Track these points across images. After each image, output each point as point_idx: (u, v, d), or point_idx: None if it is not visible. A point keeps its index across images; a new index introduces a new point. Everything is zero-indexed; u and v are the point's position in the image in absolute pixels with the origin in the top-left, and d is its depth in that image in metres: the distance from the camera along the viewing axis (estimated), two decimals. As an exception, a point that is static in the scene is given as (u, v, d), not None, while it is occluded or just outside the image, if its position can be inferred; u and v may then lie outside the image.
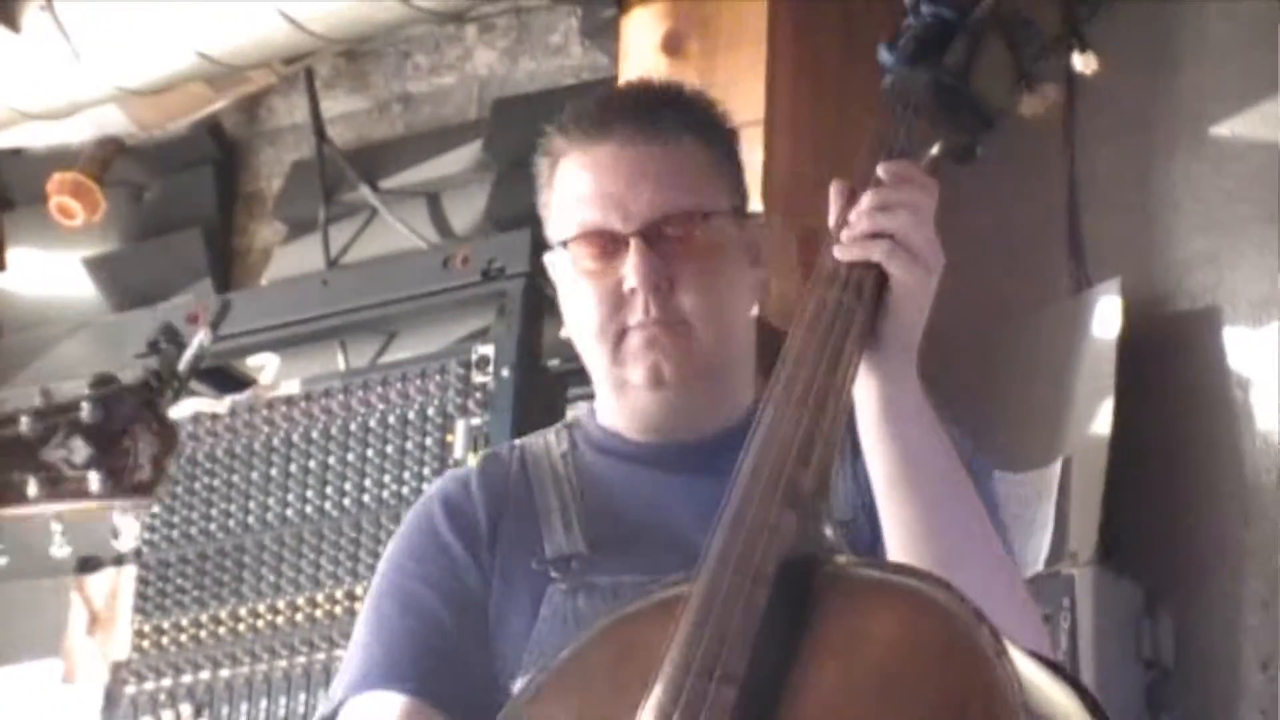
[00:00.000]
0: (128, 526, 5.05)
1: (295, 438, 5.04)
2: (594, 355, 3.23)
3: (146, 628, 5.06)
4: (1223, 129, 4.62)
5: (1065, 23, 2.92)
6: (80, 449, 2.66)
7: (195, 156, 5.67)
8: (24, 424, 2.66)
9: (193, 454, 5.19)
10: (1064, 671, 2.94)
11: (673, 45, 4.70)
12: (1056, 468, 4.41)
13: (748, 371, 3.28)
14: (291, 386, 5.12)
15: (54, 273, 5.64)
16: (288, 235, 5.64)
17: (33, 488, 2.68)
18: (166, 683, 4.90)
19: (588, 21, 4.83)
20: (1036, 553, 4.36)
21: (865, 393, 2.87)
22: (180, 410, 5.10)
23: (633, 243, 3.14)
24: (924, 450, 2.92)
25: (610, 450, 3.29)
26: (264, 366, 5.14)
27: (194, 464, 5.20)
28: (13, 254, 5.64)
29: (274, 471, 4.91)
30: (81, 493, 2.68)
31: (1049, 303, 4.75)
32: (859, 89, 3.25)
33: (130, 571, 5.10)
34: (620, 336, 3.16)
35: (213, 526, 4.91)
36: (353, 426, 4.91)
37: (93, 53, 5.13)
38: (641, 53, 4.78)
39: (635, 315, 3.14)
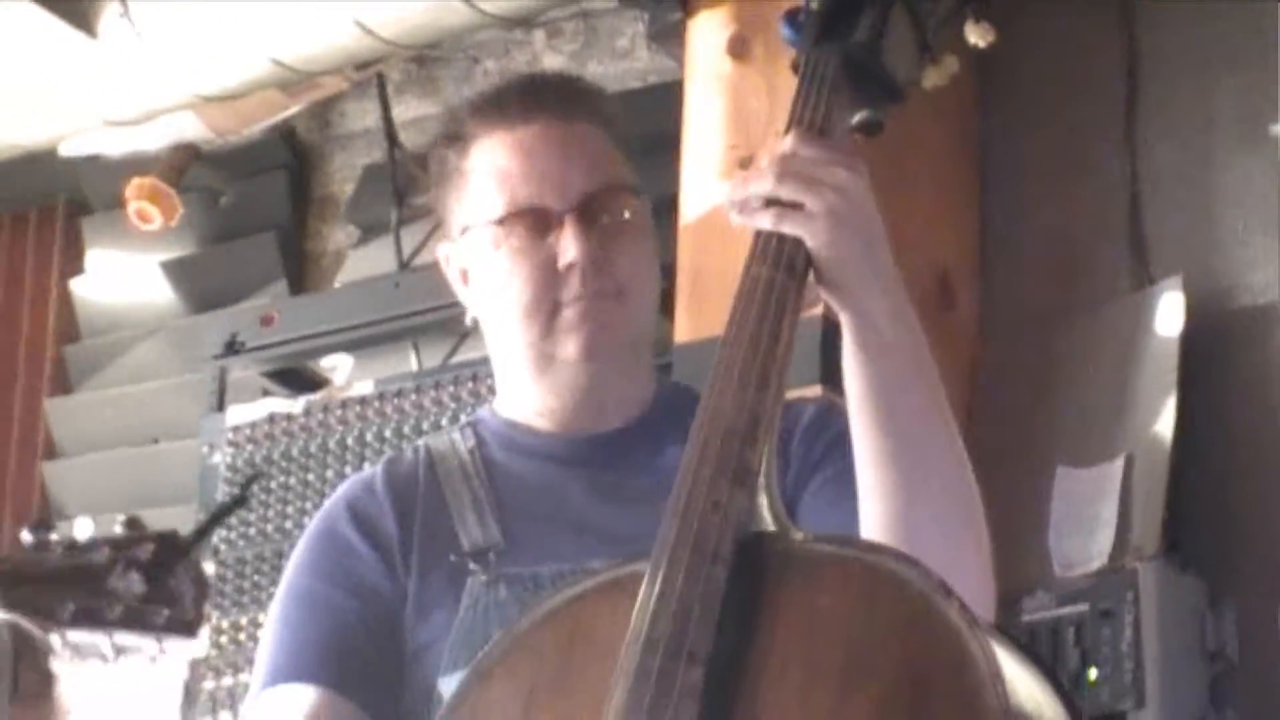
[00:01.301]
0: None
1: (369, 437, 5.10)
2: (516, 335, 3.26)
3: (224, 624, 5.14)
4: (1282, 126, 4.58)
5: None
6: (137, 583, 2.75)
7: (269, 162, 5.73)
8: (101, 553, 2.77)
9: (268, 453, 5.27)
10: (1027, 649, 2.99)
11: (738, 48, 4.71)
12: (1119, 463, 4.40)
13: (650, 357, 3.36)
14: (365, 387, 5.18)
15: (131, 277, 5.69)
16: (360, 239, 5.69)
17: (113, 614, 2.79)
18: (244, 678, 4.86)
19: (654, 25, 4.83)
20: (1100, 548, 4.36)
21: (849, 346, 2.88)
22: (255, 410, 5.30)
23: (568, 219, 3.17)
24: (904, 392, 2.91)
25: (515, 445, 3.34)
26: (337, 367, 5.18)
27: (269, 463, 5.27)
28: (91, 258, 5.72)
29: (348, 470, 4.94)
30: (142, 624, 2.78)
31: (1110, 300, 4.72)
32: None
33: (208, 569, 5.13)
34: (553, 312, 3.18)
35: (288, 524, 4.96)
36: (425, 425, 4.93)
37: (168, 59, 5.16)
38: (707, 56, 4.82)
39: (570, 290, 3.17)
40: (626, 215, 3.22)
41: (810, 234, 2.81)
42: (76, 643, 2.78)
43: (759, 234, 2.84)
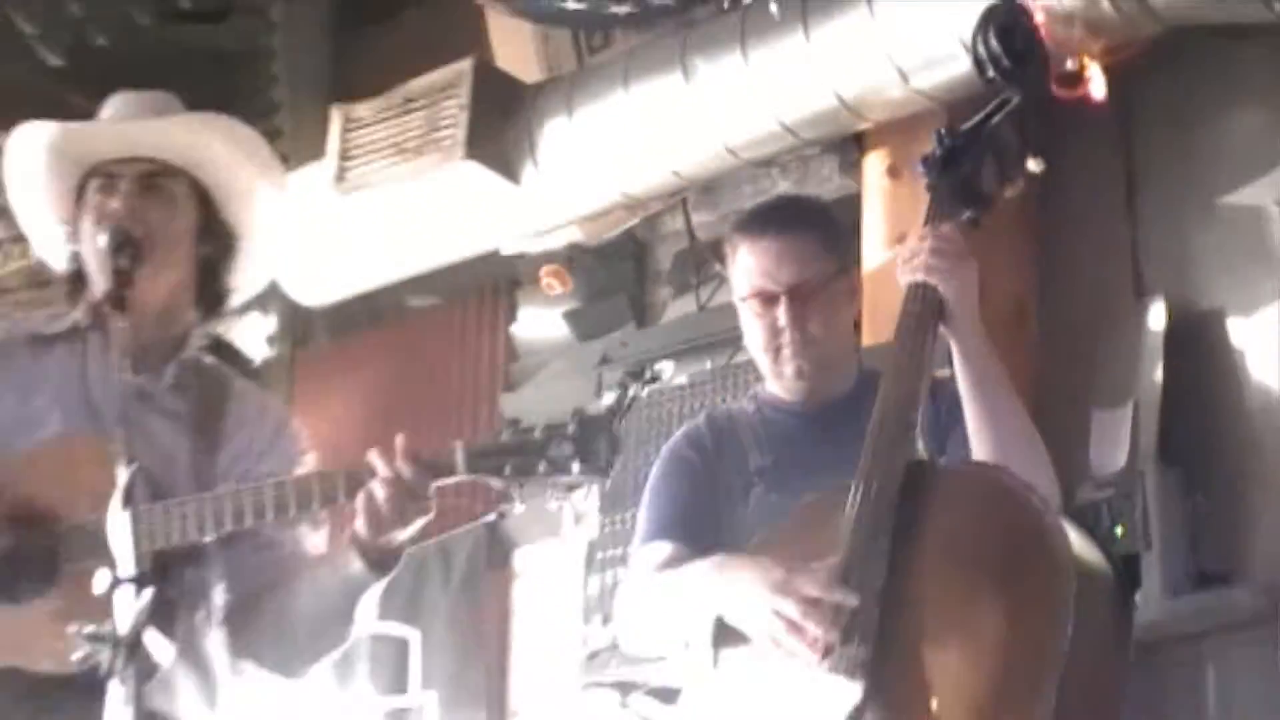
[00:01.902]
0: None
1: (685, 409, 4.94)
2: (760, 360, 3.31)
3: (613, 519, 5.01)
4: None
5: (1023, 140, 3.01)
6: (568, 448, 2.64)
7: (623, 252, 5.66)
8: (537, 433, 2.68)
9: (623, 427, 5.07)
10: (1114, 545, 3.07)
11: (893, 173, 4.67)
12: (1130, 407, 4.26)
13: (852, 361, 3.36)
14: (681, 379, 5.08)
15: (544, 322, 5.86)
16: (674, 294, 5.58)
17: (542, 468, 2.67)
18: (623, 550, 4.86)
19: (844, 161, 4.89)
20: (1121, 456, 4.24)
21: (957, 356, 3.01)
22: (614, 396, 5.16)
23: (783, 298, 3.22)
24: (986, 382, 3.03)
25: (776, 409, 3.34)
26: (665, 369, 5.22)
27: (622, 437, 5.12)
28: (522, 313, 5.84)
29: (674, 426, 4.81)
30: (562, 470, 2.65)
31: (1121, 310, 4.47)
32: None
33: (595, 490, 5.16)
34: (777, 352, 3.25)
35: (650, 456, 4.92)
36: (716, 401, 4.73)
37: (562, 195, 5.12)
38: (875, 178, 4.73)
39: (786, 341, 3.23)
40: (821, 293, 3.26)
41: (942, 284, 2.95)
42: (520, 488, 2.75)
43: (911, 285, 2.98)
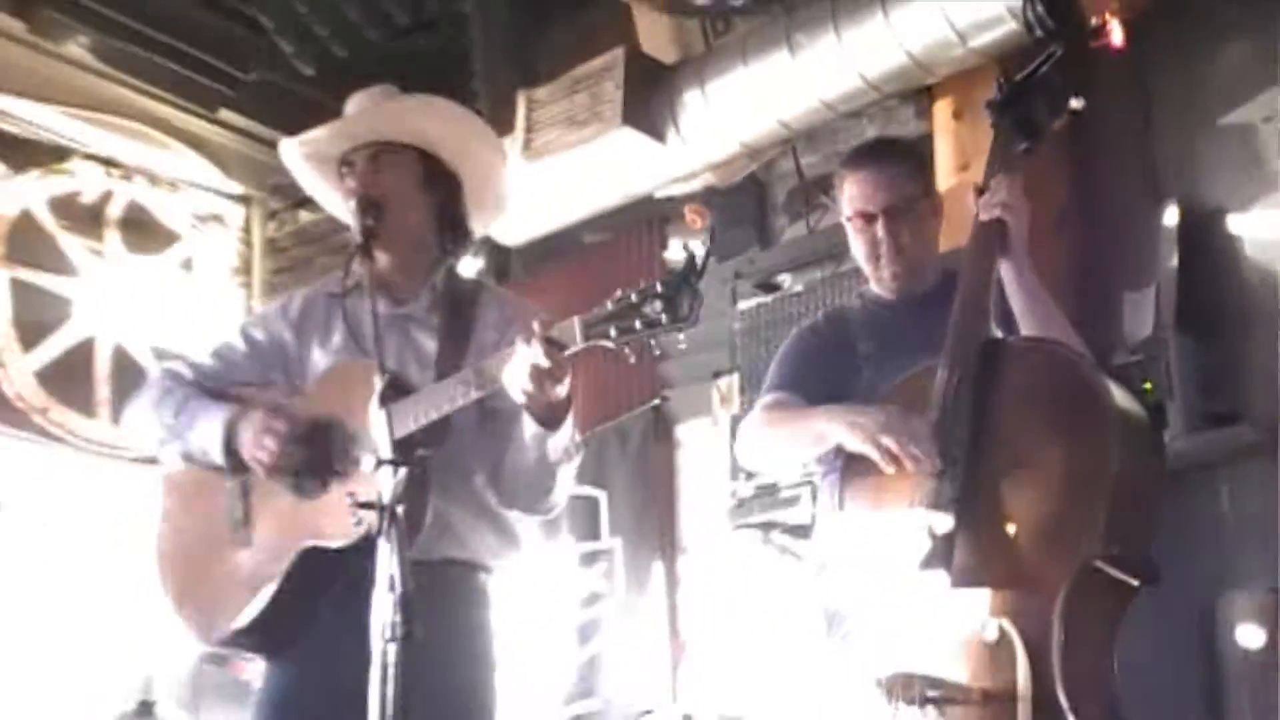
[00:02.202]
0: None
1: (803, 309, 4.83)
2: (864, 268, 3.28)
3: (745, 399, 4.86)
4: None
5: (1065, 83, 2.98)
6: (659, 305, 2.50)
7: (746, 190, 5.46)
8: (632, 296, 2.54)
9: (762, 319, 5.05)
10: (1147, 396, 3.05)
11: (957, 115, 4.58)
12: (1153, 288, 4.18)
13: (935, 264, 3.29)
14: (798, 287, 5.01)
15: (690, 248, 5.67)
16: (789, 221, 5.40)
17: (638, 325, 2.53)
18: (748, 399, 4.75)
19: (917, 109, 4.82)
20: (1147, 326, 4.18)
21: (1007, 267, 2.97)
22: (753, 302, 5.11)
23: (880, 217, 3.21)
24: (1030, 286, 2.99)
25: (878, 303, 3.31)
26: (784, 280, 5.17)
27: (757, 325, 5.04)
28: (672, 240, 5.71)
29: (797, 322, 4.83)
30: (659, 325, 2.50)
31: (1142, 210, 4.32)
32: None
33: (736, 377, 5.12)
34: (876, 261, 3.23)
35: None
36: (828, 303, 4.55)
37: (704, 149, 5.03)
38: (943, 120, 4.63)
39: (883, 251, 3.22)
40: (909, 212, 3.24)
41: (1006, 217, 2.93)
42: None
43: (985, 220, 2.95)
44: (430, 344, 3.01)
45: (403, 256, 3.04)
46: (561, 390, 2.67)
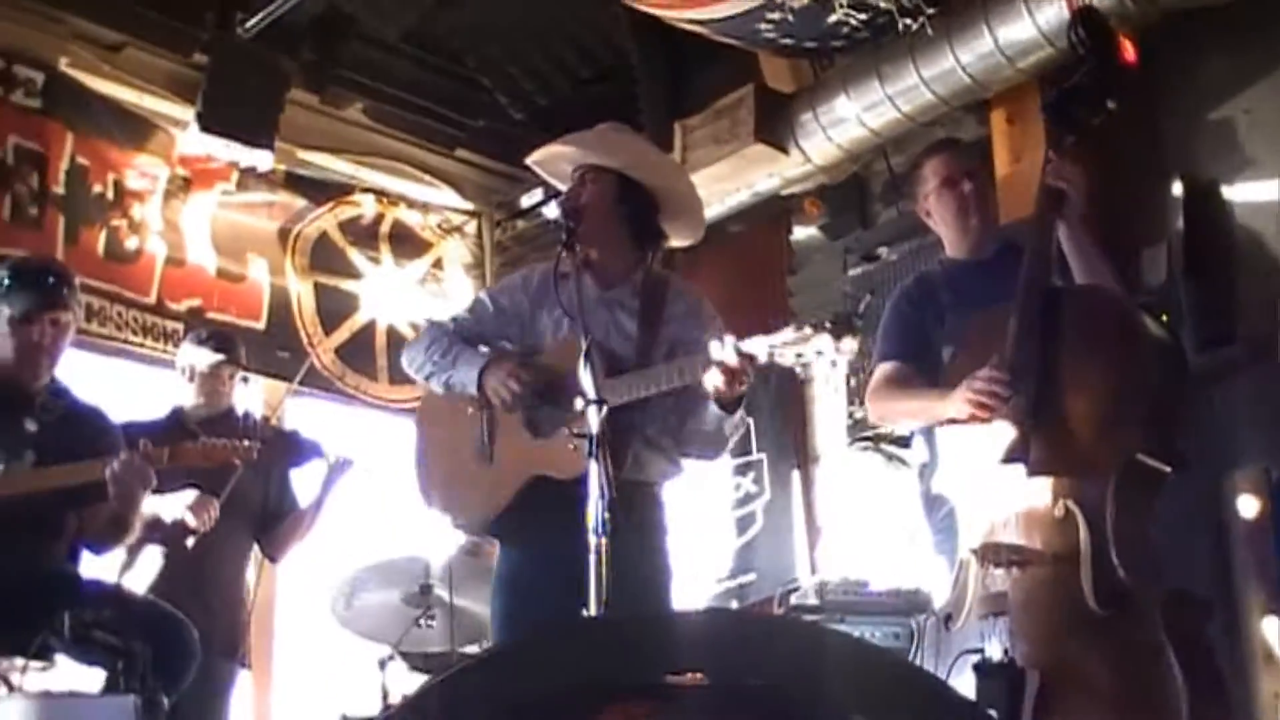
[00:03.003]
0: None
1: (894, 275, 4.59)
2: (952, 226, 3.18)
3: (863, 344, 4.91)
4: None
5: (1102, 88, 2.86)
6: (826, 339, 2.50)
7: (850, 185, 5.15)
8: (805, 327, 2.56)
9: (864, 286, 4.91)
10: (1167, 326, 2.95)
11: (1010, 121, 4.43)
12: (1165, 245, 3.99)
13: (994, 233, 3.21)
14: (893, 257, 4.85)
15: (808, 233, 5.37)
16: (883, 207, 5.08)
17: (810, 354, 2.54)
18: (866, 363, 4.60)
19: (978, 117, 4.56)
20: (1161, 273, 3.98)
21: (1064, 229, 2.88)
22: (863, 268, 5.00)
23: (965, 179, 3.16)
24: (1086, 248, 2.91)
25: (955, 264, 3.21)
26: (882, 252, 5.01)
27: (864, 290, 4.80)
28: (796, 229, 5.46)
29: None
30: (823, 355, 2.54)
31: (1147, 185, 4.10)
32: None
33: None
34: (965, 214, 3.14)
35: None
36: (915, 269, 4.08)
37: (814, 157, 4.91)
38: (999, 124, 4.48)
39: (971, 204, 3.14)
40: (977, 179, 3.19)
41: (1064, 187, 2.84)
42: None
43: (1047, 187, 2.83)
44: (631, 324, 3.03)
45: (606, 252, 3.06)
46: (743, 388, 2.72)
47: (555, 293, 2.96)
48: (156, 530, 3.64)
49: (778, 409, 5.32)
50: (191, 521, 3.65)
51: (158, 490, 3.29)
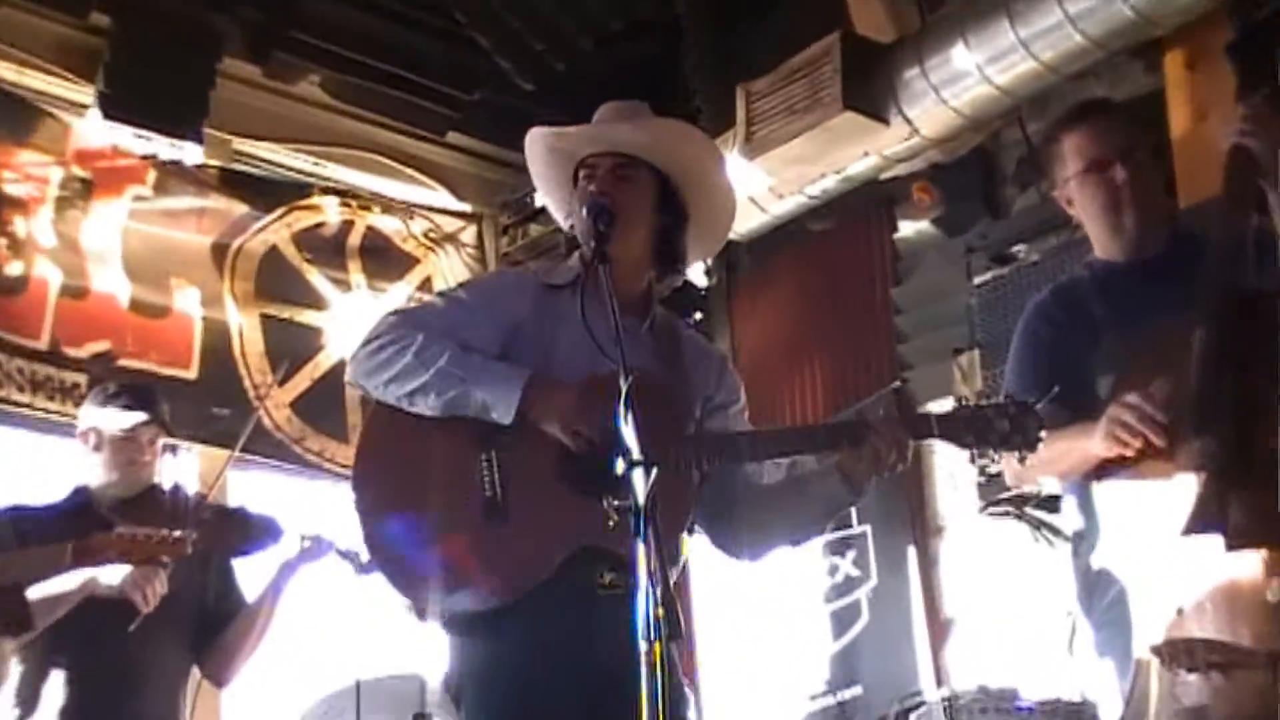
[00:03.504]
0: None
1: (1040, 283, 4.23)
2: (1100, 222, 3.15)
3: (988, 374, 4.81)
4: None
5: None
6: (1005, 424, 2.63)
7: (973, 162, 5.22)
8: (988, 411, 2.66)
9: (995, 295, 4.97)
10: None
11: (1190, 65, 4.44)
12: None
13: (1164, 221, 3.18)
14: (1034, 257, 4.84)
15: (918, 228, 5.52)
16: (1019, 190, 5.15)
17: (992, 439, 2.63)
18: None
19: (1146, 64, 4.64)
20: None
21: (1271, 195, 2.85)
22: (996, 272, 5.01)
23: (1117, 162, 3.09)
24: None
25: (1109, 267, 3.16)
26: (1019, 250, 5.00)
27: (996, 300, 4.95)
28: (901, 223, 5.57)
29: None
30: (1009, 445, 2.63)
31: None
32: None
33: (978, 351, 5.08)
34: (1117, 208, 3.09)
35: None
36: (1067, 269, 4.16)
37: (921, 129, 4.93)
38: (1175, 72, 4.52)
39: (1125, 196, 3.09)
40: (1141, 157, 3.14)
41: (1248, 142, 2.83)
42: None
43: (1232, 147, 2.85)
44: (653, 365, 2.95)
45: (622, 269, 2.95)
46: (899, 469, 2.76)
47: (569, 308, 2.89)
48: (72, 613, 3.54)
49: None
50: (140, 603, 3.56)
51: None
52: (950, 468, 5.24)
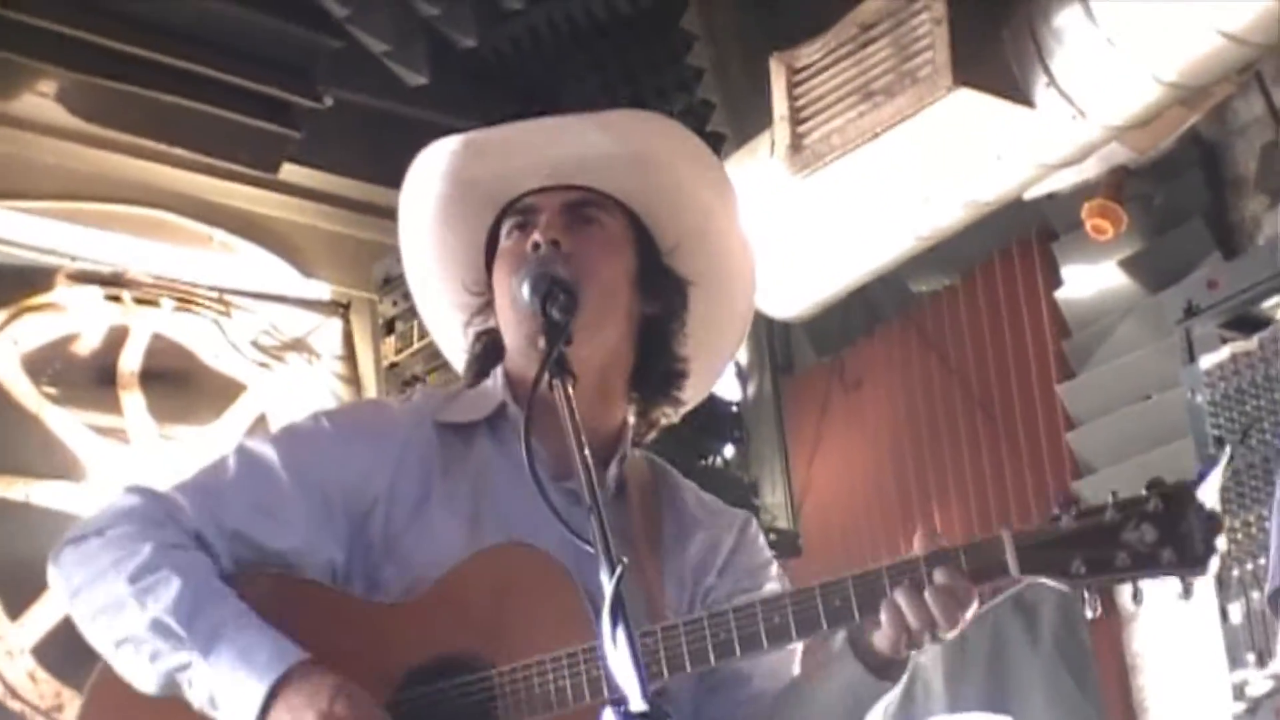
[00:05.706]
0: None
1: None
2: None
3: (1236, 523, 4.92)
4: None
5: None
6: (1150, 533, 2.59)
7: (1185, 162, 5.60)
8: (1108, 514, 2.64)
9: (1238, 386, 5.08)
10: None
11: None
12: None
13: None
14: None
15: (1099, 279, 5.79)
16: (1269, 204, 5.40)
17: (1120, 561, 2.62)
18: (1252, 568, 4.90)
19: None
20: None
21: None
22: (1220, 355, 5.14)
23: None
24: None
25: None
26: (1278, 307, 5.17)
27: (1239, 393, 5.05)
28: (1066, 272, 5.89)
29: None
30: (1151, 566, 2.60)
31: None
32: None
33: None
34: None
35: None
36: None
37: (1092, 109, 5.01)
38: None
39: None
40: None
41: None
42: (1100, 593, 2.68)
43: None
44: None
45: (580, 393, 2.74)
46: (936, 643, 2.74)
47: (461, 459, 2.95)
48: None
49: (1060, 688, 5.52)
50: None
51: None
52: (1174, 683, 5.35)
